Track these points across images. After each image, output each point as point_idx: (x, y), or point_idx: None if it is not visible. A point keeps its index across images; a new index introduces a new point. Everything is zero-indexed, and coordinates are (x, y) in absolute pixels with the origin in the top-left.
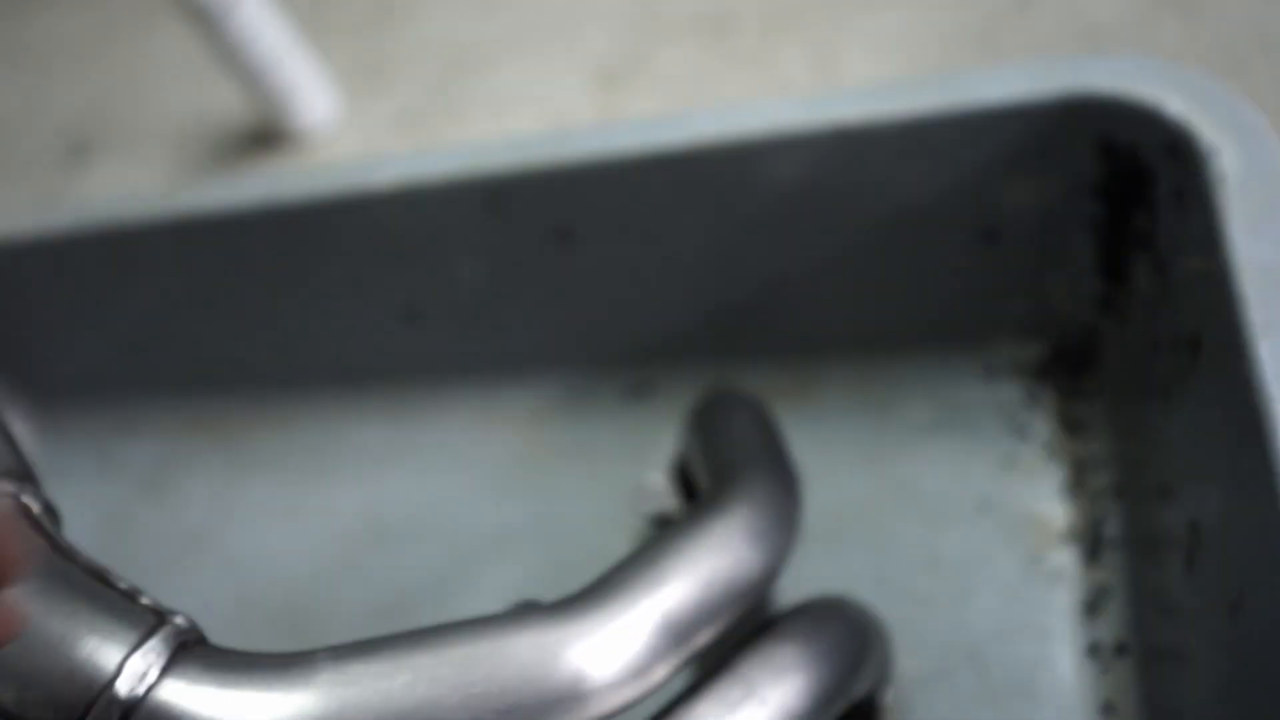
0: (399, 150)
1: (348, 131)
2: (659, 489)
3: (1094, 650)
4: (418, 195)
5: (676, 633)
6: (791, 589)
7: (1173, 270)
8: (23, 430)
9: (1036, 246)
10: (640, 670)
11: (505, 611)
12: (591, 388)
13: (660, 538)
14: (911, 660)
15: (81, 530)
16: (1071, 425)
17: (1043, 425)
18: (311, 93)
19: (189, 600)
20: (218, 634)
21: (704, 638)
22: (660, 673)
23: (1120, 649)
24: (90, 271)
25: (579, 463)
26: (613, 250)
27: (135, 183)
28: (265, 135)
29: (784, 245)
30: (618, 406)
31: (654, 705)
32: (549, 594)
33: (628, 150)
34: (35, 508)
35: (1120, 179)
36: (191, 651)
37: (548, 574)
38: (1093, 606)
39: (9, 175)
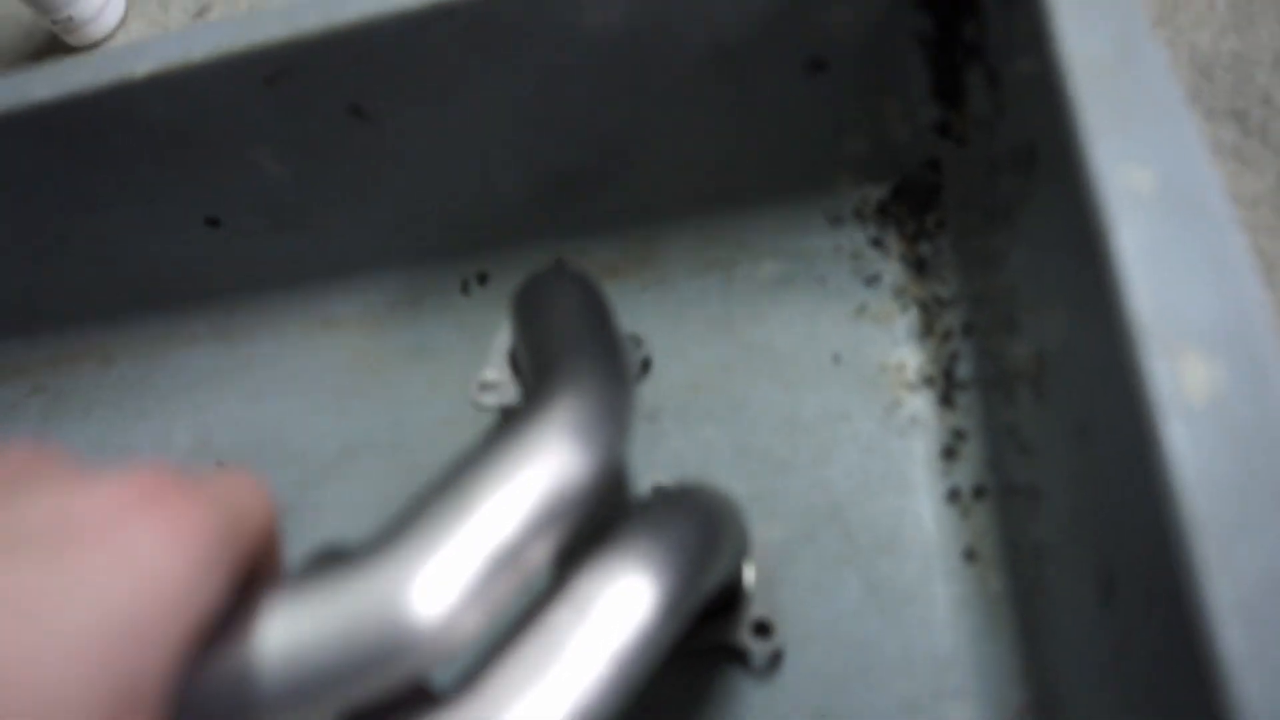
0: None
1: (140, 27)
2: (499, 381)
3: (953, 496)
4: (187, 79)
5: (502, 557)
6: (649, 468)
7: (1005, 80)
8: None
9: (867, 72)
10: (468, 605)
11: (306, 567)
12: (424, 285)
13: (472, 449)
14: (774, 528)
15: None
16: (919, 266)
17: (891, 270)
18: None
19: None
20: None
21: (537, 553)
22: (492, 600)
23: (978, 491)
24: None
25: (419, 365)
26: (416, 126)
27: None
28: (47, 45)
29: (603, 101)
30: (453, 302)
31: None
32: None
33: (410, 5)
34: None
35: None
36: None
37: (398, 488)
38: (949, 452)
39: None
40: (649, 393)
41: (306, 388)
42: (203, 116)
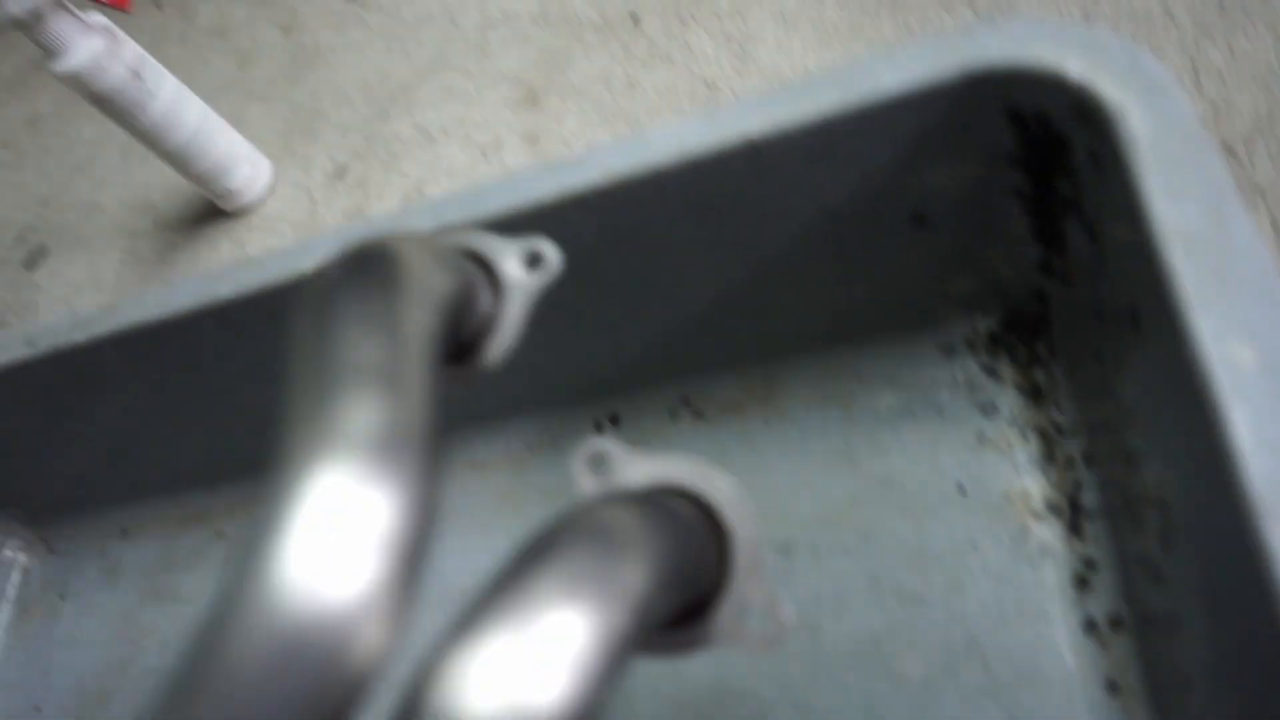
0: (339, 206)
1: (287, 192)
2: None
3: (1090, 626)
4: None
5: None
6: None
7: (1104, 238)
8: (28, 556)
9: (967, 223)
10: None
11: None
12: (560, 428)
13: None
14: (913, 661)
15: (95, 641)
16: (1035, 394)
17: (1007, 398)
18: (245, 163)
19: None
20: None
21: None
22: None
23: (1115, 622)
24: (54, 392)
25: (558, 501)
26: (560, 294)
27: (92, 281)
28: (209, 212)
29: (720, 260)
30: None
31: None
32: None
33: (543, 196)
34: None
35: (1036, 147)
36: None
37: None
38: (1082, 581)
39: None
40: (779, 527)
41: (459, 526)
42: None
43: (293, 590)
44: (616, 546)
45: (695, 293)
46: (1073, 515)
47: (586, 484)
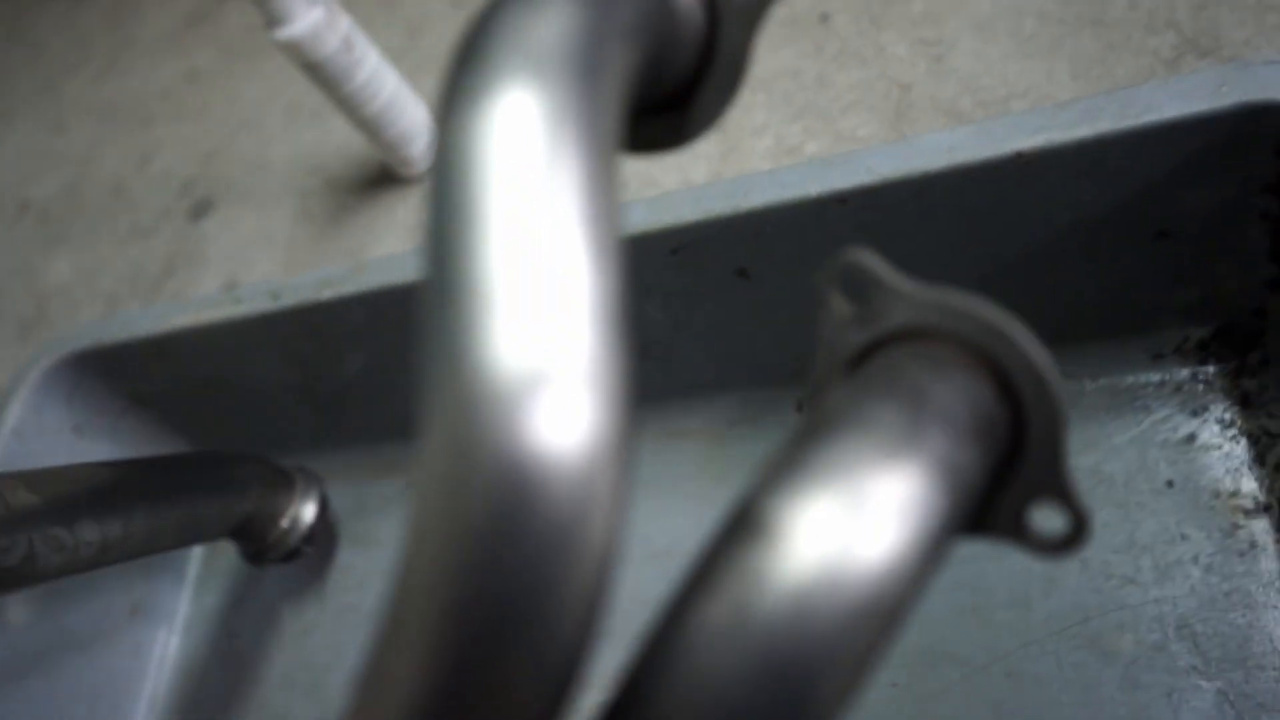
0: None
1: None
2: None
3: None
4: None
5: None
6: (994, 577)
7: None
8: None
9: (1207, 240)
10: None
11: None
12: (761, 406)
13: None
14: (1125, 638)
15: (292, 577)
16: (1245, 400)
17: (1216, 403)
18: (425, 133)
19: None
20: None
21: None
22: None
23: None
24: (287, 343)
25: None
26: (787, 284)
27: (262, 236)
28: (383, 176)
29: (959, 259)
30: (788, 420)
31: None
32: None
33: (805, 195)
34: None
35: None
36: None
37: None
38: None
39: (139, 235)
40: None
41: (661, 490)
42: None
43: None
44: (927, 415)
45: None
46: None
47: (841, 311)
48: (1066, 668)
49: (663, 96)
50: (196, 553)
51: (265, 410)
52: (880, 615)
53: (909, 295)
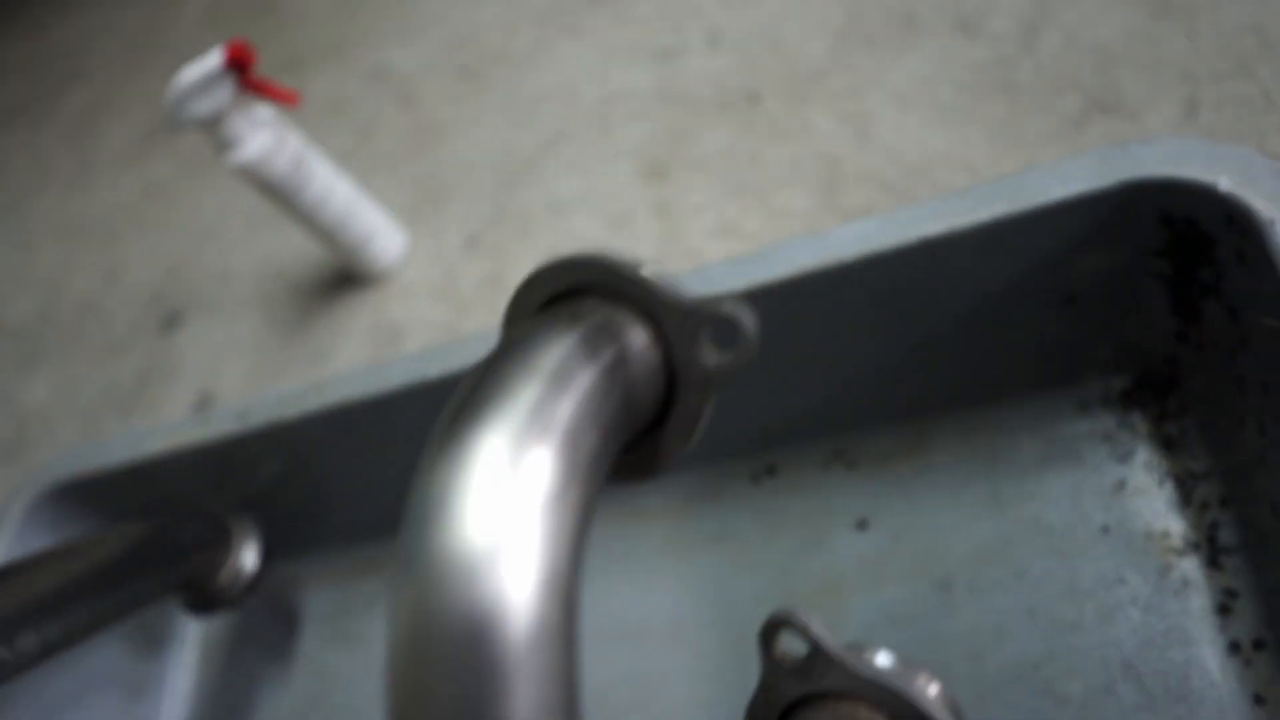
0: (476, 273)
1: (422, 261)
2: None
3: (1234, 648)
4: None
5: None
6: (948, 635)
7: (1244, 318)
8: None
9: (1111, 301)
10: None
11: None
12: (719, 480)
13: None
14: (1075, 682)
15: (280, 681)
16: (1168, 444)
17: (1141, 448)
18: (384, 234)
19: None
20: None
21: None
22: None
23: (1258, 644)
24: (257, 463)
25: (719, 546)
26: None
27: (231, 344)
28: (346, 279)
29: (884, 335)
30: (745, 492)
31: None
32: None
33: (733, 288)
34: None
35: (1183, 244)
36: None
37: (728, 656)
38: (1224, 609)
39: (112, 351)
40: (937, 566)
41: (626, 569)
42: None
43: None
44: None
45: (855, 361)
46: (1211, 551)
47: (783, 660)
48: (1021, 714)
49: (633, 438)
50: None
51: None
52: None
53: (842, 663)
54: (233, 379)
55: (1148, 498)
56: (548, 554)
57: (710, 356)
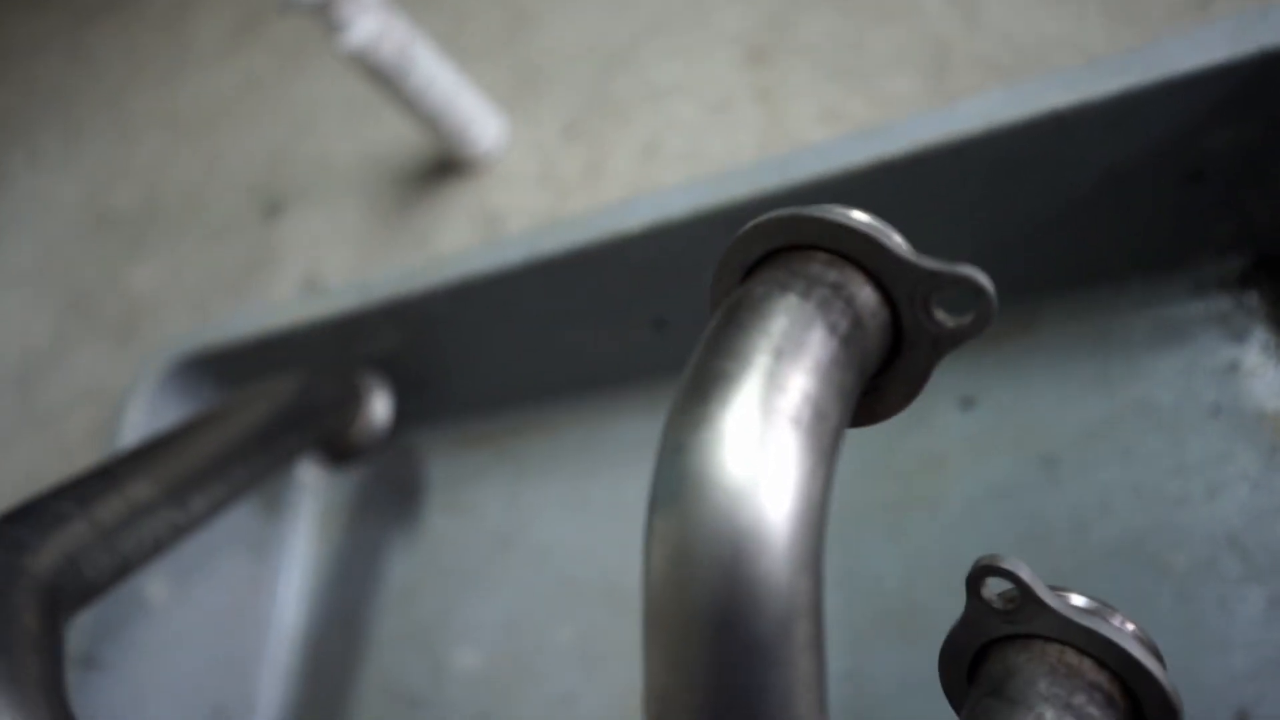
0: (576, 162)
1: (520, 148)
2: None
3: None
4: (667, 232)
5: None
6: (1052, 508)
7: None
8: (320, 476)
9: (1238, 178)
10: None
11: None
12: None
13: None
14: (1179, 555)
15: (395, 545)
16: None
17: (1258, 329)
18: (482, 122)
19: (510, 590)
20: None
21: None
22: None
23: None
24: (378, 336)
25: None
26: None
27: (334, 232)
28: (445, 166)
29: (1000, 211)
30: None
31: None
32: None
33: (853, 163)
34: None
35: None
36: None
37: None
38: None
39: (216, 238)
40: (1043, 441)
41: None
42: (673, 254)
43: None
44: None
45: (970, 236)
46: None
47: (989, 602)
48: (1124, 584)
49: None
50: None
51: None
52: None
53: (1054, 611)
54: (336, 265)
55: (1262, 378)
56: (802, 484)
57: (942, 320)
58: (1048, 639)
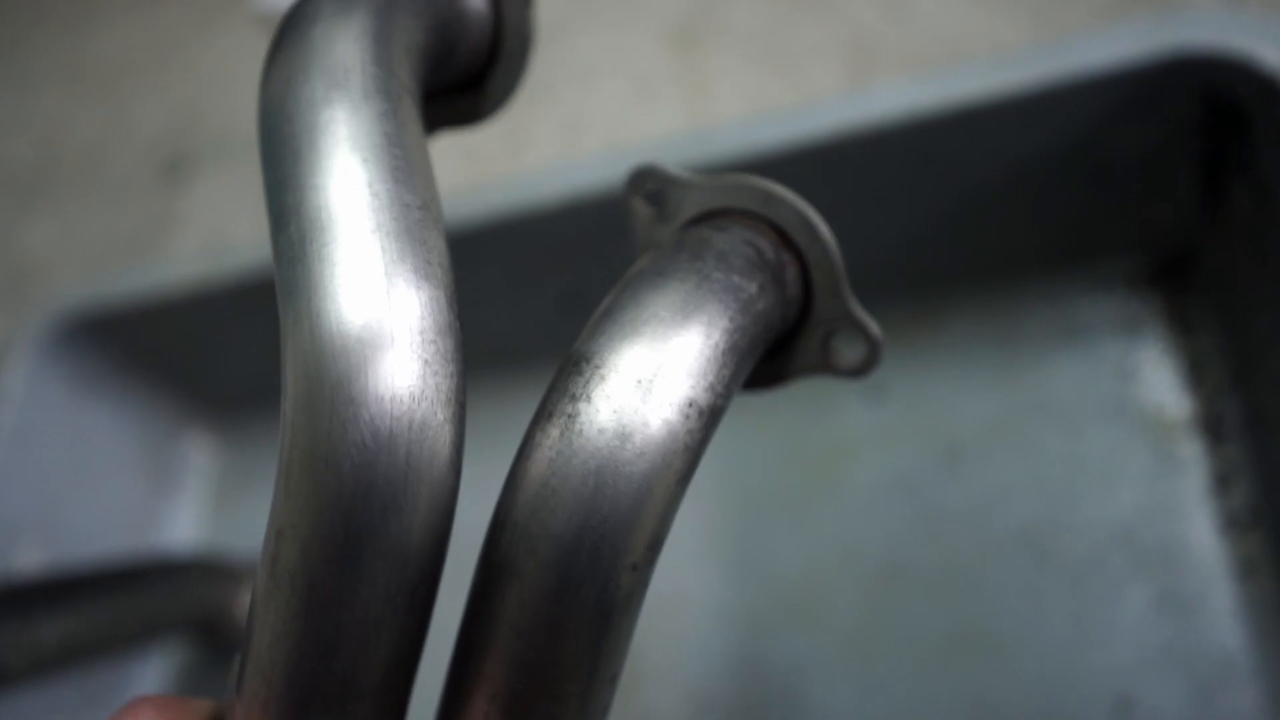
0: (492, 137)
1: None
2: None
3: (1229, 521)
4: (582, 205)
5: None
6: (952, 500)
7: (1275, 197)
8: (214, 449)
9: (1142, 178)
10: None
11: None
12: None
13: None
14: (1071, 549)
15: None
16: (1184, 325)
17: (1156, 329)
18: None
19: None
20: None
21: None
22: None
23: (1253, 517)
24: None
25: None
26: None
27: (243, 195)
28: None
29: (908, 201)
30: None
31: None
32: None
33: (767, 144)
34: None
35: (1220, 119)
36: None
37: (735, 527)
38: (1223, 484)
39: (116, 197)
40: (947, 432)
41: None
42: (585, 228)
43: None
44: (710, 254)
45: (877, 226)
46: (1216, 430)
47: (643, 214)
48: (1020, 574)
49: (459, 78)
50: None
51: (254, 361)
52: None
53: (698, 186)
54: (243, 233)
55: (1158, 377)
56: None
57: (835, 349)
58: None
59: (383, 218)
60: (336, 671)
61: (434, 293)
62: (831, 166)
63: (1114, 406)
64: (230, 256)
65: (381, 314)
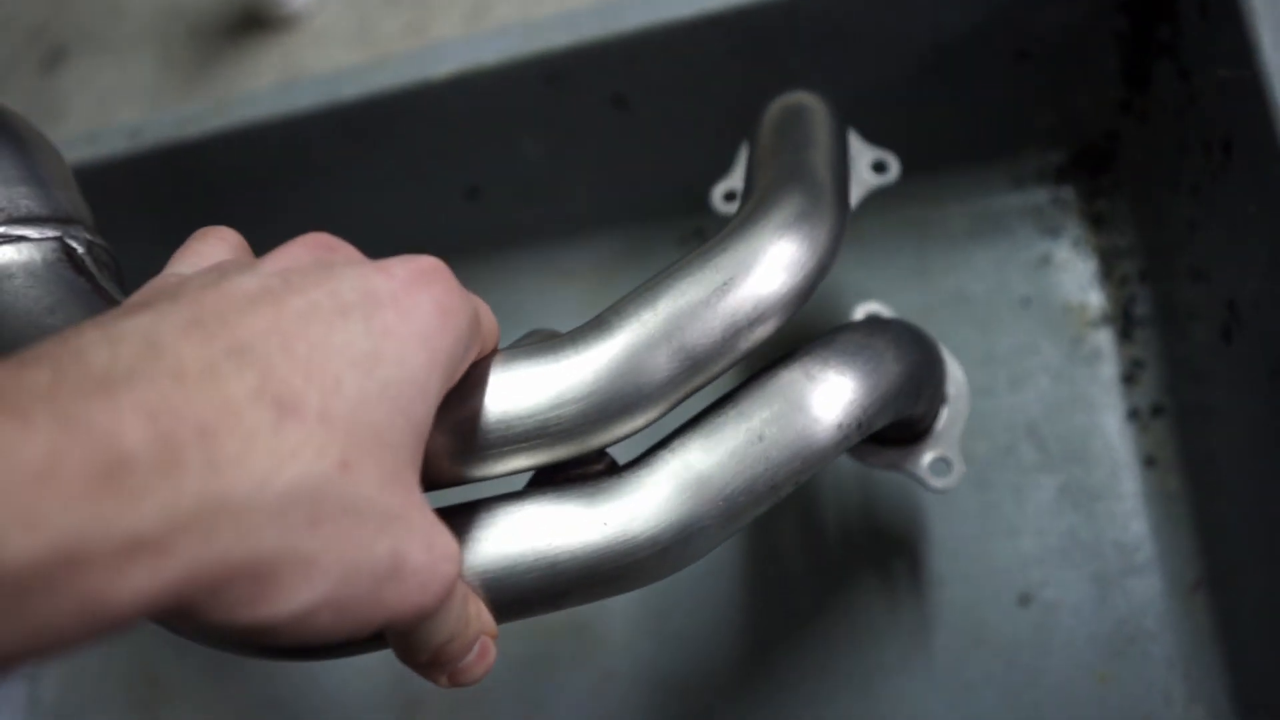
0: (395, 23)
1: (338, 5)
2: (738, 190)
3: (1134, 414)
4: (479, 79)
5: (683, 354)
6: None
7: (1197, 78)
8: None
9: (1063, 60)
10: (648, 394)
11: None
12: (648, 240)
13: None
14: (980, 443)
15: None
16: (1097, 220)
17: (1071, 224)
18: None
19: None
20: None
21: (739, 342)
22: (669, 395)
23: (1156, 410)
24: (152, 189)
25: None
26: (665, 111)
27: (125, 86)
28: (249, 21)
29: (831, 84)
30: (673, 253)
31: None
32: None
33: (679, 17)
34: (79, 249)
35: None
36: None
37: None
38: (1129, 378)
39: None
40: None
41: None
42: (483, 110)
43: None
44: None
45: None
46: (1125, 324)
47: None
48: None
49: None
50: None
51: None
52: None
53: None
54: (126, 118)
55: (1071, 272)
56: None
57: None
58: None
59: None
60: None
61: None
62: (746, 42)
63: (1025, 301)
64: (87, 147)
65: None
